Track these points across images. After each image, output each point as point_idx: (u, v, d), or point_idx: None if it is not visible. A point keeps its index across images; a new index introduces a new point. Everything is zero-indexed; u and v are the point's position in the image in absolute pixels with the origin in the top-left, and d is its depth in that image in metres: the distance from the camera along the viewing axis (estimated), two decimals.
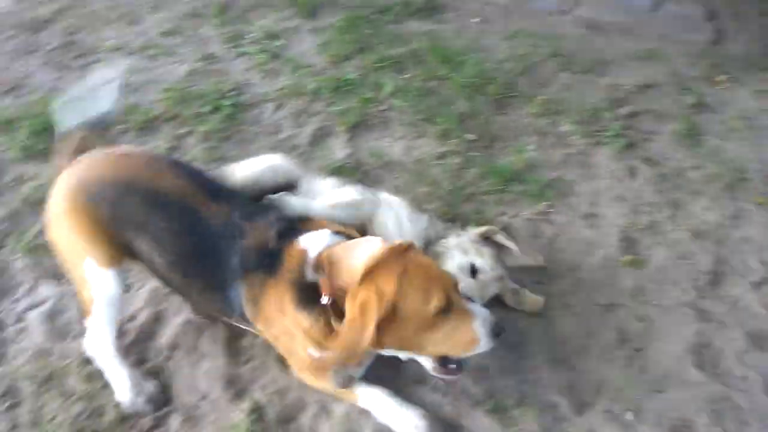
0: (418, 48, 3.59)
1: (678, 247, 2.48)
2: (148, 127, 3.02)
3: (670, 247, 2.48)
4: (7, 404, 1.96)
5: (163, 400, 1.97)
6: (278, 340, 1.88)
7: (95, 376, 2.01)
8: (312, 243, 1.78)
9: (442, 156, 2.88)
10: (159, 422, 1.92)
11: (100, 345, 1.98)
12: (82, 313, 1.97)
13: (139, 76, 3.36)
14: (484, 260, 2.09)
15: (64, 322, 2.19)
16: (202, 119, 3.07)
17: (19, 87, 3.31)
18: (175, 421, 1.92)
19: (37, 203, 2.61)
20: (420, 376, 1.99)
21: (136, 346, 2.12)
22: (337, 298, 1.68)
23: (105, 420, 1.91)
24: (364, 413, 1.91)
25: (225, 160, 2.70)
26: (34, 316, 2.20)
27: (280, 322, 1.80)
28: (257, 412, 1.92)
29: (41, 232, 2.49)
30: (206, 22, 3.87)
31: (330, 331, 1.73)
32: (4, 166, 2.81)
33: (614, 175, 2.80)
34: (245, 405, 1.94)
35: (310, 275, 1.74)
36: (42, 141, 2.89)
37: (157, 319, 2.19)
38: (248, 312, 1.83)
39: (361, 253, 1.67)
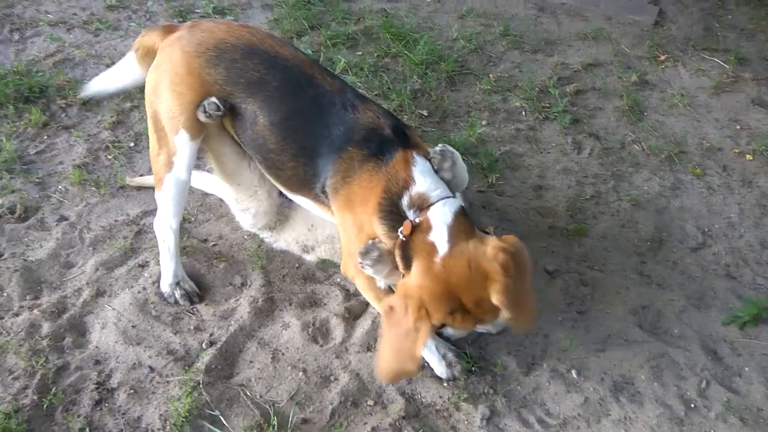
0: (372, 26, 3.58)
1: (621, 216, 2.57)
2: (92, 101, 2.92)
3: (613, 216, 2.57)
4: None
5: (197, 299, 2.15)
6: (345, 224, 1.83)
7: (37, 353, 1.95)
8: (425, 181, 1.73)
9: None
10: (104, 396, 1.88)
11: (165, 222, 2.07)
12: (156, 187, 2.05)
13: (82, 50, 3.24)
14: None
15: (2, 300, 2.11)
16: None
17: None
18: (121, 395, 1.88)
19: None
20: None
21: None
22: (408, 247, 1.68)
23: (47, 397, 1.85)
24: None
25: None
26: None
27: (358, 210, 1.77)
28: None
29: None
30: None
31: (391, 261, 1.75)
32: None
33: (561, 149, 2.87)
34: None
35: (404, 202, 1.71)
36: None
37: None
38: (331, 184, 1.80)
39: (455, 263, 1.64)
